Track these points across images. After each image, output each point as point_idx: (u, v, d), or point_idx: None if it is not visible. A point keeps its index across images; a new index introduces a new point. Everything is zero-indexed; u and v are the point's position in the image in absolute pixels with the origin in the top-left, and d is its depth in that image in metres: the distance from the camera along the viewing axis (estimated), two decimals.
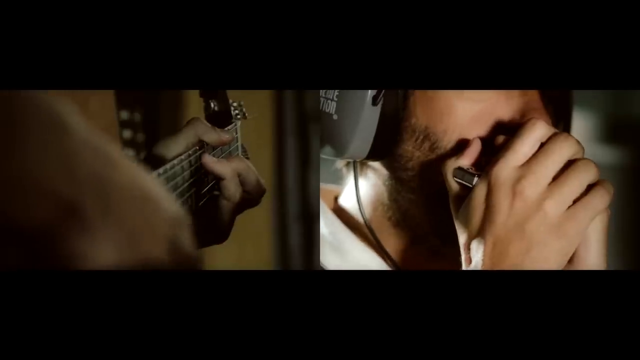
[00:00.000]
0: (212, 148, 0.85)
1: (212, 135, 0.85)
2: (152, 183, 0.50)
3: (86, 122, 0.46)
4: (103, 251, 0.44)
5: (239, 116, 0.94)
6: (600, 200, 0.77)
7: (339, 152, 0.87)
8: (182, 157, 0.75)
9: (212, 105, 0.89)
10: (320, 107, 0.87)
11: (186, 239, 0.51)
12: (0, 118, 0.42)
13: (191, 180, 0.77)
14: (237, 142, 0.95)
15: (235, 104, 0.93)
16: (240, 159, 0.86)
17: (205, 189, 0.82)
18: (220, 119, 0.92)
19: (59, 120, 0.44)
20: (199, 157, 0.80)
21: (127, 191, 0.47)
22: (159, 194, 0.50)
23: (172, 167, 0.71)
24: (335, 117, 0.86)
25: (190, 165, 0.77)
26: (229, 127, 0.91)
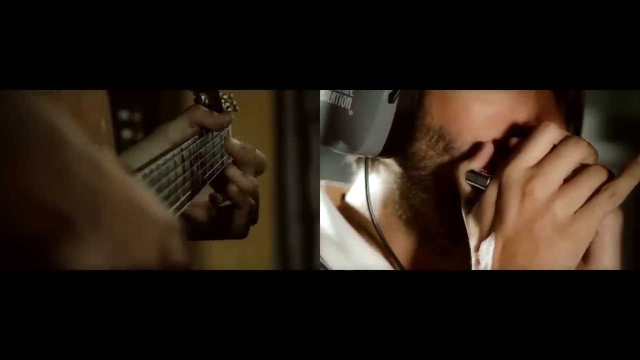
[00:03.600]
0: (204, 142, 0.85)
1: (210, 119, 0.88)
2: (144, 193, 0.51)
3: (82, 133, 0.46)
4: (93, 260, 0.45)
5: (229, 109, 0.94)
6: (609, 201, 0.77)
7: (353, 147, 0.87)
8: (174, 151, 0.75)
9: (202, 98, 0.90)
10: (335, 103, 0.87)
11: (176, 247, 0.52)
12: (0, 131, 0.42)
13: (184, 174, 0.77)
14: (228, 134, 0.96)
15: (225, 97, 0.94)
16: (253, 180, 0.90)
17: (199, 183, 0.83)
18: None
19: (56, 134, 0.45)
20: (192, 150, 0.81)
21: (119, 202, 0.48)
22: (150, 204, 0.51)
23: (164, 163, 0.71)
24: (350, 112, 0.86)
25: (183, 160, 0.77)
26: None
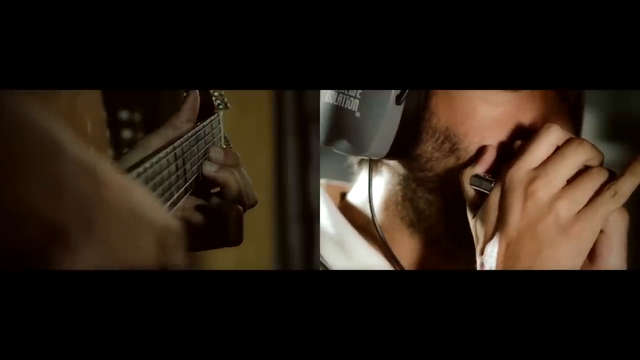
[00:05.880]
0: (197, 139, 0.85)
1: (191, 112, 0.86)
2: (142, 197, 0.50)
3: (78, 141, 0.46)
4: (87, 269, 0.45)
5: (220, 106, 0.94)
6: (611, 200, 0.77)
7: (360, 149, 0.87)
8: (168, 149, 0.75)
9: None
10: (341, 104, 0.87)
11: (174, 252, 0.51)
12: None
13: (178, 172, 0.77)
14: (220, 132, 0.96)
15: (216, 94, 0.93)
16: (240, 171, 0.86)
17: (191, 181, 0.82)
18: (202, 109, 0.93)
19: (52, 143, 0.44)
20: (185, 148, 0.81)
21: (114, 210, 0.47)
22: (148, 208, 0.50)
23: (158, 160, 0.71)
24: (357, 114, 0.86)
25: (176, 157, 0.77)
26: (212, 117, 0.91)
